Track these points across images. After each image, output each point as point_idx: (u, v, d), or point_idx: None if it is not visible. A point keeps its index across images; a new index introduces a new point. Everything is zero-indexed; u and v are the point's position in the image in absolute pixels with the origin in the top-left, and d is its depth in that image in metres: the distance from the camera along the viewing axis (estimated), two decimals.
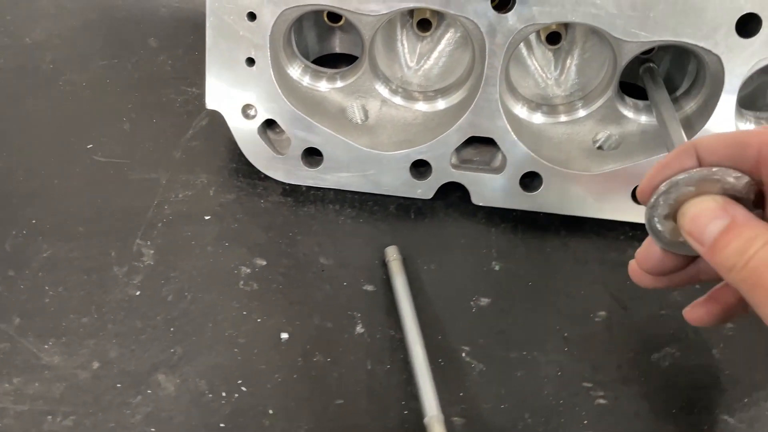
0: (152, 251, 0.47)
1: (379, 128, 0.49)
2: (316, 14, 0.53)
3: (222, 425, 0.39)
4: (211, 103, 0.47)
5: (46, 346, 0.42)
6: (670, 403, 0.41)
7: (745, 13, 0.41)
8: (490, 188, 0.48)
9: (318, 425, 0.40)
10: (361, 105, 0.50)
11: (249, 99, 0.47)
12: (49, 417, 0.39)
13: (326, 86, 0.49)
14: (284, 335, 0.43)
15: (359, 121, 0.50)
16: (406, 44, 0.51)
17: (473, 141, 0.48)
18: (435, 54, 0.51)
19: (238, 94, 0.47)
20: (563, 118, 0.48)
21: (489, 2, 0.42)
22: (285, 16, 0.45)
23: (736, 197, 0.29)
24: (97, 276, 0.46)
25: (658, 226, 0.31)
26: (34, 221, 0.48)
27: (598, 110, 0.48)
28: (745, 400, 0.41)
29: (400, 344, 0.42)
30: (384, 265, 0.46)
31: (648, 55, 0.51)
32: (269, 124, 0.49)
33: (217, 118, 0.49)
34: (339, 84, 0.49)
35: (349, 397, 0.41)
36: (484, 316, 0.45)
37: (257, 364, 0.42)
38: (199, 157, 0.52)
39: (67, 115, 0.55)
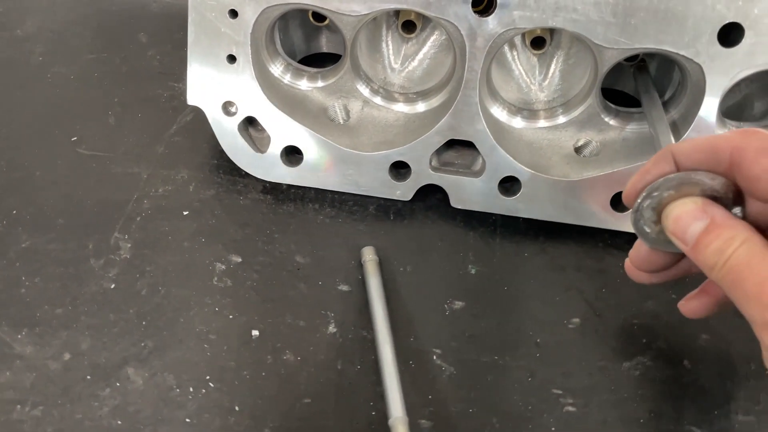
0: (129, 245, 0.47)
1: (361, 129, 0.49)
2: (302, 14, 0.53)
3: (188, 420, 0.39)
4: (192, 99, 0.48)
5: (19, 336, 0.42)
6: (639, 412, 0.41)
7: (727, 22, 0.41)
8: (469, 191, 0.48)
9: (284, 424, 0.40)
10: (343, 105, 0.50)
11: (230, 96, 0.47)
12: (18, 406, 0.40)
13: (307, 85, 0.49)
14: (255, 332, 0.43)
15: (341, 120, 0.50)
16: (391, 45, 0.51)
17: (455, 144, 0.48)
18: (420, 56, 0.51)
19: (219, 90, 0.47)
20: (543, 123, 0.48)
21: (469, 5, 0.42)
22: (267, 14, 0.45)
23: (716, 197, 0.31)
24: (73, 268, 0.46)
25: (645, 228, 0.33)
26: (14, 211, 0.48)
27: (579, 116, 0.47)
28: (716, 412, 0.41)
29: (372, 345, 0.42)
30: (361, 265, 0.46)
31: (633, 62, 0.50)
32: (251, 121, 0.49)
33: (201, 115, 0.49)
34: (320, 84, 0.49)
35: (317, 396, 0.41)
36: (458, 319, 0.45)
37: (226, 361, 0.42)
38: (182, 152, 0.52)
39: (53, 108, 0.55)
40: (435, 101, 0.48)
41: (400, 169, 0.49)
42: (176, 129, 0.54)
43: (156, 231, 0.48)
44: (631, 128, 0.48)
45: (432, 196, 0.50)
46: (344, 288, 0.46)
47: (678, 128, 0.46)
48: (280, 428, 0.39)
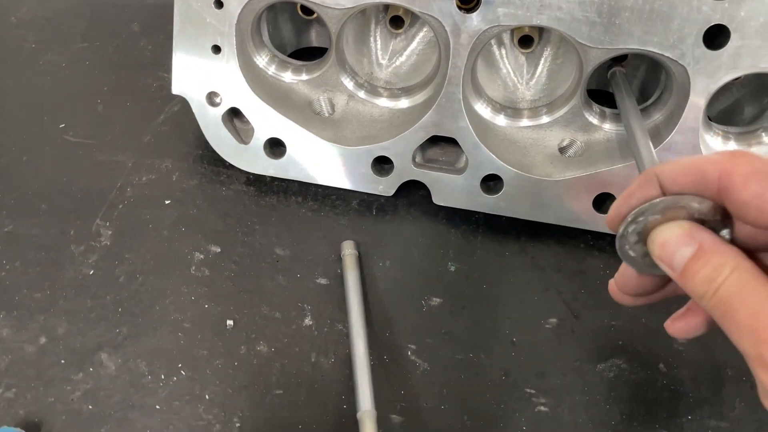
0: (110, 232, 0.47)
1: (345, 122, 0.49)
2: (291, 7, 0.53)
3: (158, 407, 0.40)
4: (177, 89, 0.48)
5: None
6: (611, 414, 0.40)
7: (712, 24, 0.41)
8: (451, 188, 0.48)
9: (253, 414, 0.40)
10: (328, 98, 0.50)
11: (214, 86, 0.47)
12: None
13: (292, 77, 0.49)
14: (230, 322, 0.43)
15: (326, 114, 0.50)
16: (379, 41, 0.51)
17: (439, 140, 0.48)
18: (407, 52, 0.51)
19: (203, 80, 0.47)
20: (526, 122, 0.48)
21: (454, 1, 0.42)
22: (252, 5, 0.45)
23: (703, 220, 0.30)
24: (54, 253, 0.46)
25: (630, 253, 0.31)
26: None
27: (563, 116, 0.47)
28: (689, 417, 0.40)
29: (348, 338, 0.42)
30: (340, 259, 0.46)
31: (621, 63, 0.50)
32: (236, 112, 0.49)
33: (188, 105, 0.49)
34: (305, 76, 0.49)
35: (289, 387, 0.41)
36: (434, 315, 0.44)
37: (199, 349, 0.42)
38: (167, 142, 0.52)
39: (43, 94, 0.55)
40: (419, 97, 0.48)
41: (383, 164, 0.49)
42: (163, 119, 0.54)
43: (137, 219, 0.48)
44: (615, 129, 0.47)
45: (415, 192, 0.50)
46: (323, 281, 0.46)
47: (660, 132, 0.46)
48: (249, 418, 0.39)
